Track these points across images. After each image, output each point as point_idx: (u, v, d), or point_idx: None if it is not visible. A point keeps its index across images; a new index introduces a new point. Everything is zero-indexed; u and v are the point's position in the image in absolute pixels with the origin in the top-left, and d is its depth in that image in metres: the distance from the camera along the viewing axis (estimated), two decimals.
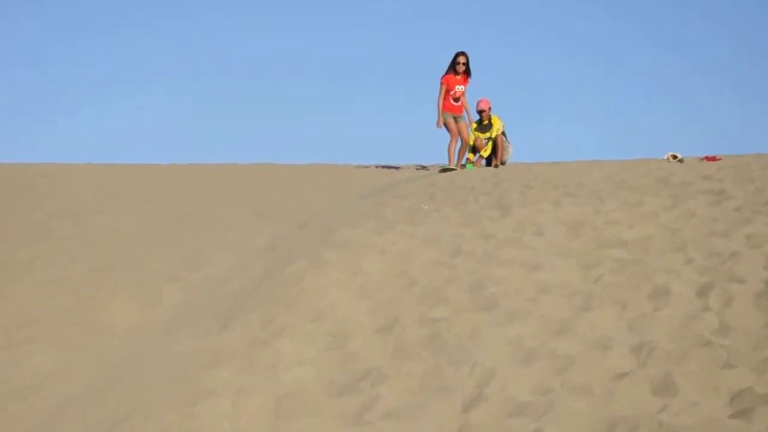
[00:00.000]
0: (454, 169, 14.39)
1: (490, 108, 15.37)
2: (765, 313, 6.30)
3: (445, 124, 14.79)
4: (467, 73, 14.90)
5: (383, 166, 18.90)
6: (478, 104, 15.36)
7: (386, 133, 64.53)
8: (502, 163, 15.57)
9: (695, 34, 69.05)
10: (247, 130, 62.67)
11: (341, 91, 73.23)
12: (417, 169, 17.46)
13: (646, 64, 69.04)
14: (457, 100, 14.50)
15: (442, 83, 14.61)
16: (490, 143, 15.60)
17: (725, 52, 68.58)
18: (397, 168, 17.76)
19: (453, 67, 14.65)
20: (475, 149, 15.82)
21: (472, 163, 15.73)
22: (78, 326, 8.73)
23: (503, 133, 15.66)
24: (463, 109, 14.91)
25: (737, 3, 70.81)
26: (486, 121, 15.37)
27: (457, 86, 14.53)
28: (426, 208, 10.44)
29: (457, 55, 14.59)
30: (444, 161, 15.49)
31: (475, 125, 15.54)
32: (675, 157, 14.89)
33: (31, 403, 7.32)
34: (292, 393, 6.02)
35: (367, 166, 18.85)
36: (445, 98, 14.70)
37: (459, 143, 15.12)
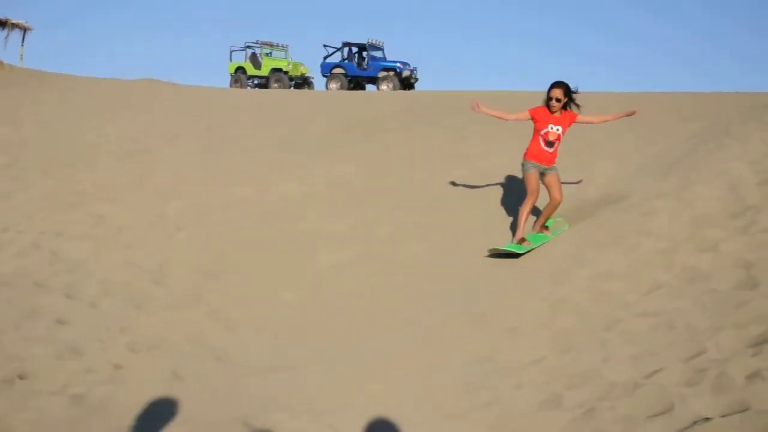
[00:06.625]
0: (517, 254, 6.24)
1: None
2: None
3: (526, 179, 6.43)
4: (566, 109, 6.47)
5: None
6: None
7: None
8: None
9: None
10: None
11: None
12: None
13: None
14: (550, 144, 6.39)
15: (529, 113, 6.43)
16: None
17: None
18: None
19: (547, 102, 6.42)
20: None
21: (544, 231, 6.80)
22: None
23: None
24: (555, 159, 6.51)
25: None
26: None
27: (551, 125, 6.35)
28: None
29: (550, 88, 6.36)
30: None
31: None
32: None
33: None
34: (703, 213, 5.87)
35: None
36: (533, 139, 6.45)
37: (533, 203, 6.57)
